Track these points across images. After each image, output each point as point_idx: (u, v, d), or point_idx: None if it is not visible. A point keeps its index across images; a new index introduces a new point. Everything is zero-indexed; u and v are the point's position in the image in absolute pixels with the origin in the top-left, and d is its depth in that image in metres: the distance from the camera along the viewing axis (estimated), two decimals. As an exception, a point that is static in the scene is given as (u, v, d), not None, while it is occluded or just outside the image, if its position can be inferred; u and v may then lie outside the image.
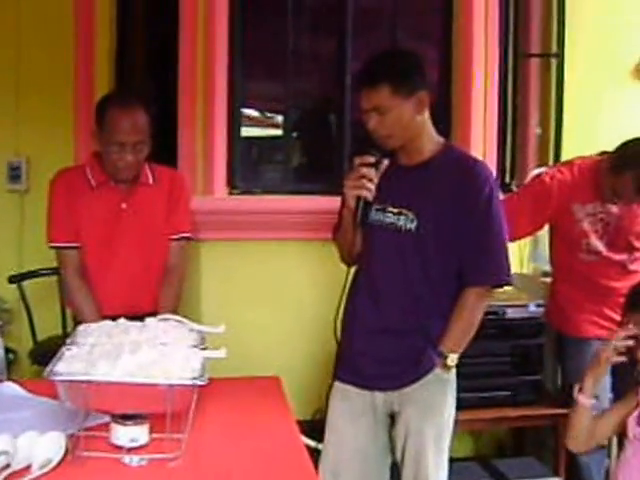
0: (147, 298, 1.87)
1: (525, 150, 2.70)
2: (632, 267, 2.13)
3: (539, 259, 2.49)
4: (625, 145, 2.02)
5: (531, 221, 2.16)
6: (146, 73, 2.87)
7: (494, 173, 2.51)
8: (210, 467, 1.17)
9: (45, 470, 1.09)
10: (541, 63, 2.69)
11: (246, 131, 2.50)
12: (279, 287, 2.36)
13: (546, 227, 2.23)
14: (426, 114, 1.57)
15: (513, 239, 2.17)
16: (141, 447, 1.17)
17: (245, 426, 1.34)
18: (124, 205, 1.87)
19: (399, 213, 1.56)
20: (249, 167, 2.52)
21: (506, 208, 2.09)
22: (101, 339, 1.30)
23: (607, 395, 2.12)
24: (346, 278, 1.61)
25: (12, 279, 2.56)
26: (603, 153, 2.12)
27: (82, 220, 1.86)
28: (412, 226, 1.55)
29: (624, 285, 2.02)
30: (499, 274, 1.57)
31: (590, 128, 2.64)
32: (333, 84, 2.52)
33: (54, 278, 2.49)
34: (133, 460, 1.14)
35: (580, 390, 1.46)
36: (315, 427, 1.74)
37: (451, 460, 1.65)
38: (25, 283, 2.58)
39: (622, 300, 1.71)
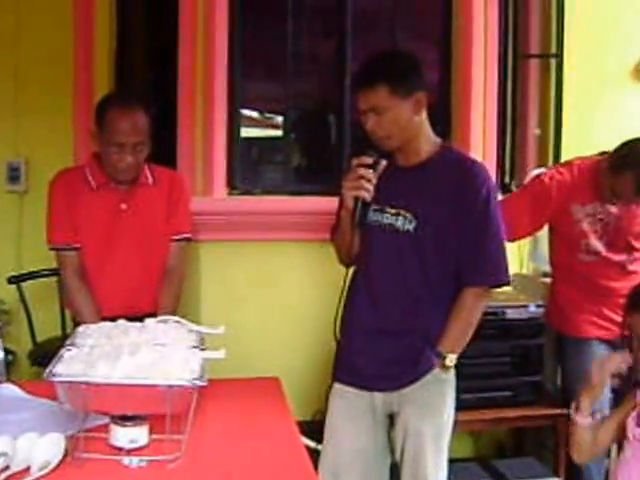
0: (146, 299, 1.87)
1: (524, 150, 2.70)
2: (631, 267, 2.13)
3: (539, 259, 2.49)
4: (625, 145, 2.02)
5: (530, 221, 2.16)
6: (146, 74, 2.87)
7: (494, 173, 2.52)
8: (210, 468, 1.17)
9: (44, 472, 1.09)
10: (540, 64, 2.70)
11: (246, 132, 2.51)
12: (279, 288, 2.36)
13: (546, 227, 2.23)
14: (424, 115, 1.57)
15: (513, 239, 2.17)
16: (141, 448, 1.16)
17: (245, 427, 1.34)
18: (124, 206, 1.87)
19: (397, 214, 1.56)
20: (249, 168, 2.52)
21: (505, 209, 2.11)
22: (100, 340, 1.30)
23: (607, 395, 2.12)
24: (345, 279, 1.61)
25: (11, 280, 2.56)
26: (603, 153, 2.12)
27: (82, 221, 1.86)
28: (410, 227, 1.55)
29: (623, 285, 2.02)
30: (497, 274, 1.58)
31: (589, 129, 2.65)
32: (333, 85, 2.52)
33: (53, 279, 2.49)
34: (133, 461, 1.14)
35: (577, 409, 1.45)
36: (315, 428, 1.74)
37: (451, 461, 1.65)
38: (24, 284, 2.57)
39: (621, 300, 1.71)
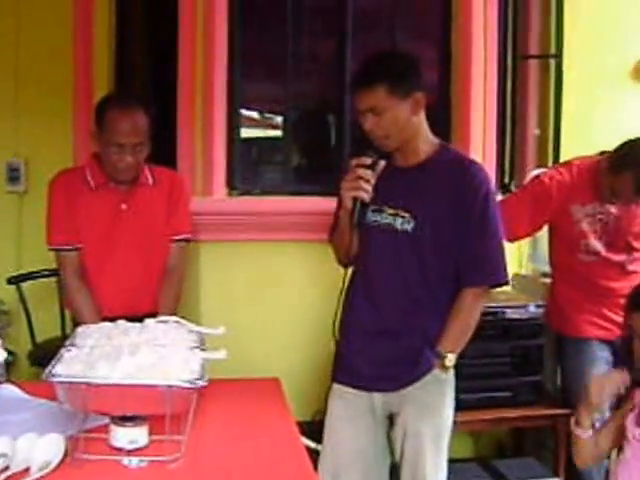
0: (146, 299, 1.87)
1: (524, 151, 2.70)
2: (631, 268, 2.13)
3: (538, 260, 2.49)
4: (624, 145, 2.02)
5: (530, 222, 2.16)
6: (146, 74, 2.87)
7: (493, 174, 2.53)
8: (210, 468, 1.17)
9: (44, 472, 1.09)
10: (540, 64, 2.70)
11: (245, 132, 2.51)
12: (278, 288, 2.36)
13: (545, 228, 2.23)
14: (422, 115, 1.58)
15: (512, 240, 2.18)
16: (140, 449, 1.16)
17: (245, 427, 1.34)
18: (124, 206, 1.87)
19: (396, 214, 1.56)
20: (248, 168, 2.52)
21: (505, 209, 2.11)
22: (100, 341, 1.30)
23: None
24: (344, 279, 1.61)
25: (11, 280, 2.55)
26: (602, 153, 2.12)
27: (81, 221, 1.86)
28: (409, 227, 1.55)
29: (623, 286, 2.02)
30: (496, 274, 1.58)
31: (589, 129, 2.65)
32: (332, 85, 2.52)
33: (53, 279, 2.49)
34: (132, 462, 1.14)
35: (576, 424, 1.45)
36: (315, 428, 1.74)
37: (451, 461, 1.65)
38: (24, 284, 2.57)
39: (621, 301, 1.71)
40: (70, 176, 1.91)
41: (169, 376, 1.15)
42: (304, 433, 1.44)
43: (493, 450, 2.56)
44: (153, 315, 1.61)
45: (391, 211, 1.57)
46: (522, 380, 2.22)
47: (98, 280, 1.88)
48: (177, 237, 1.94)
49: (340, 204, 1.59)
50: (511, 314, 2.21)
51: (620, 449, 1.49)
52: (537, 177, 2.20)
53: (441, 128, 2.48)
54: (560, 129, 2.63)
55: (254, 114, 2.76)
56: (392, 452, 1.65)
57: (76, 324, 1.78)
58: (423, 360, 1.57)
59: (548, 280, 2.34)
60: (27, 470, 1.09)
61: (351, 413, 1.62)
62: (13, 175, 2.71)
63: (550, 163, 2.61)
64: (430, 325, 1.57)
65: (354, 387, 1.62)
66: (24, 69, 2.66)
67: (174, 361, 1.20)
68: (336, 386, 1.65)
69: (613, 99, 2.71)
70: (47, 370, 1.17)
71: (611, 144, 2.06)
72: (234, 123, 2.37)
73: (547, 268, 2.36)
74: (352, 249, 1.60)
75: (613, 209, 2.09)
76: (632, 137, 2.03)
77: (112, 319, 1.46)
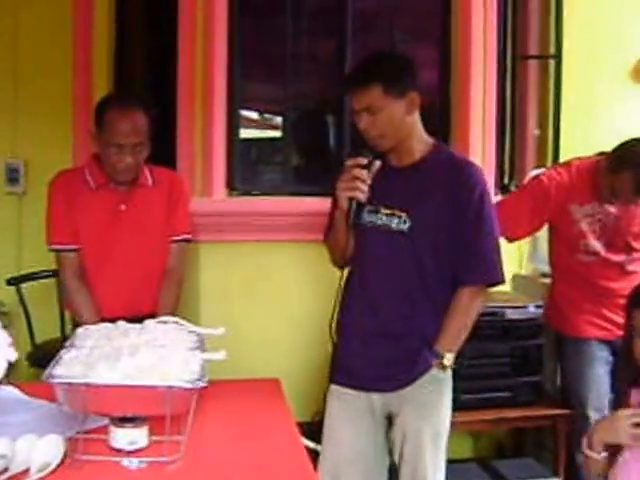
0: (146, 300, 1.87)
1: (523, 151, 2.71)
2: (630, 268, 2.14)
3: (538, 260, 2.50)
4: (623, 145, 2.02)
5: (530, 222, 2.16)
6: (145, 75, 2.86)
7: (493, 174, 2.53)
8: (210, 469, 1.17)
9: (43, 474, 1.08)
10: (539, 65, 2.70)
11: (245, 133, 2.51)
12: (278, 289, 2.36)
13: (545, 228, 2.23)
14: (416, 115, 1.58)
15: (512, 240, 2.18)
16: (140, 450, 1.16)
17: (245, 428, 1.34)
18: (123, 207, 1.87)
19: (391, 214, 1.56)
20: (248, 169, 2.51)
21: (504, 209, 2.11)
22: (100, 342, 1.30)
23: (607, 396, 2.12)
24: (340, 280, 1.61)
25: (10, 281, 2.56)
26: (601, 154, 2.12)
27: (81, 222, 1.86)
28: (404, 227, 1.55)
29: (622, 286, 2.03)
30: (492, 273, 1.58)
31: (588, 129, 2.65)
32: (332, 86, 2.52)
33: (53, 280, 2.49)
34: (132, 463, 1.14)
35: (589, 446, 1.43)
36: (314, 429, 1.74)
37: (451, 461, 1.65)
38: (23, 285, 2.57)
39: (621, 301, 1.70)
40: (70, 177, 1.91)
41: (169, 377, 1.15)
42: (304, 434, 1.44)
43: (493, 450, 2.56)
44: (153, 316, 1.61)
45: (387, 211, 1.57)
46: (522, 380, 2.22)
47: (98, 281, 1.87)
48: (177, 237, 1.94)
49: (335, 204, 1.59)
50: (511, 314, 2.21)
51: (619, 450, 1.49)
52: (536, 177, 2.20)
53: (441, 128, 2.49)
54: (559, 129, 2.64)
55: (254, 114, 2.76)
56: (390, 453, 1.65)
57: (76, 325, 1.78)
58: (421, 360, 1.57)
59: (548, 280, 2.35)
60: (26, 471, 1.09)
61: (350, 414, 1.62)
62: (12, 176, 2.71)
63: (549, 163, 2.61)
64: (427, 325, 1.57)
65: (352, 388, 1.62)
66: (23, 69, 2.66)
67: (174, 362, 1.20)
68: (334, 387, 1.65)
69: (613, 99, 2.72)
70: (47, 371, 1.17)
71: (610, 144, 2.06)
72: (234, 123, 2.37)
73: (547, 268, 2.36)
74: (348, 250, 1.60)
75: (612, 209, 2.10)
76: (631, 137, 2.04)
77: (112, 320, 1.46)
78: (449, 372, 1.60)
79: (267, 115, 2.80)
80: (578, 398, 2.15)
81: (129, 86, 2.75)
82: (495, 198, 2.34)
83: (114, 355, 1.20)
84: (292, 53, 2.43)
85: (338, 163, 2.47)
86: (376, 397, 1.61)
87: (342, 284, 1.63)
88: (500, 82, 2.56)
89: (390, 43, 2.50)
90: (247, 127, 2.58)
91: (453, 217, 1.54)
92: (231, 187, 2.38)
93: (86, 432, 1.18)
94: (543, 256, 2.38)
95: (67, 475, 1.10)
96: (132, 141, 1.78)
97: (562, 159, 2.51)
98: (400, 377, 1.57)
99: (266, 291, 2.35)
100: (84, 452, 1.14)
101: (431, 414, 1.59)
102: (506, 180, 2.65)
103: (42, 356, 2.26)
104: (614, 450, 1.39)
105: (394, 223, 1.56)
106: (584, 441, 1.43)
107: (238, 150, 2.39)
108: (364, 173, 1.53)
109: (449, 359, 1.57)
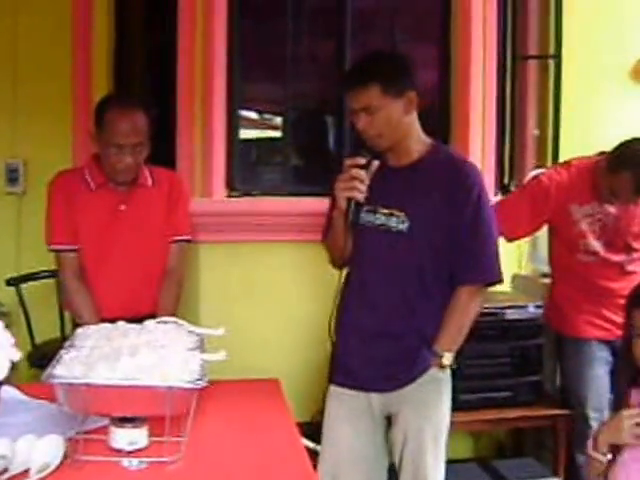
0: (146, 300, 1.87)
1: (523, 151, 2.71)
2: (630, 268, 2.14)
3: (538, 260, 2.50)
4: (623, 145, 2.02)
5: (529, 222, 2.16)
6: (145, 75, 2.86)
7: (493, 174, 2.53)
8: (210, 470, 1.17)
9: (43, 474, 1.08)
10: (539, 65, 2.70)
11: (245, 133, 2.50)
12: (278, 289, 2.36)
13: (545, 228, 2.23)
14: (414, 115, 1.58)
15: (511, 240, 2.18)
16: (140, 450, 1.16)
17: (245, 428, 1.34)
18: (123, 207, 1.87)
19: (390, 214, 1.57)
20: (248, 169, 2.51)
21: (504, 209, 2.12)
22: (100, 342, 1.30)
23: (606, 396, 2.12)
24: (339, 281, 1.61)
25: (10, 282, 2.55)
26: (601, 154, 2.12)
27: (81, 222, 1.86)
28: (403, 227, 1.55)
29: (622, 286, 2.03)
30: (490, 272, 1.58)
31: (588, 129, 2.65)
32: (332, 86, 2.52)
33: (52, 281, 2.48)
34: (132, 463, 1.14)
35: (594, 447, 1.42)
36: (314, 429, 1.74)
37: (451, 461, 1.65)
38: (23, 286, 2.57)
39: (620, 301, 1.70)
40: (69, 177, 1.90)
41: (169, 377, 1.15)
42: (303, 434, 1.44)
43: (493, 450, 2.56)
44: (152, 316, 1.61)
45: (385, 211, 1.57)
46: (522, 380, 2.22)
47: (97, 281, 1.87)
48: (176, 238, 1.94)
49: (334, 205, 1.59)
50: (511, 314, 2.21)
51: (618, 450, 1.49)
52: (536, 177, 2.20)
53: (441, 128, 2.49)
54: (559, 129, 2.64)
55: (253, 115, 2.76)
56: (390, 453, 1.65)
57: (76, 325, 1.78)
58: (420, 359, 1.57)
59: (547, 280, 2.35)
60: (26, 472, 1.09)
61: (349, 414, 1.62)
62: (12, 176, 2.70)
63: (549, 163, 2.61)
64: (427, 324, 1.58)
65: (351, 388, 1.62)
66: (23, 69, 2.66)
67: (174, 362, 1.20)
68: (333, 388, 1.65)
69: (612, 99, 2.72)
70: (46, 372, 1.17)
71: (610, 144, 2.06)
72: (233, 124, 2.37)
73: (546, 268, 2.36)
74: (346, 250, 1.60)
75: (612, 209, 2.10)
76: (631, 137, 2.04)
77: (111, 320, 1.46)
78: (448, 372, 1.60)
79: (267, 115, 2.80)
80: (578, 398, 2.16)
81: (129, 86, 2.75)
82: (495, 198, 2.35)
83: (114, 355, 1.20)
84: (292, 53, 2.43)
85: (338, 163, 2.46)
86: (375, 397, 1.60)
87: (341, 284, 1.63)
88: (500, 82, 2.56)
89: (390, 43, 2.50)
90: (247, 127, 2.58)
91: (451, 217, 1.54)
92: (231, 187, 2.38)
93: (86, 432, 1.18)
94: (543, 256, 2.38)
95: (67, 475, 1.10)
96: (132, 141, 1.78)
97: (562, 159, 2.51)
98: (400, 376, 1.58)
99: (266, 291, 2.35)
100: (84, 452, 1.14)
101: (431, 414, 1.59)
102: (506, 180, 2.65)
103: (42, 356, 2.26)
104: (616, 452, 1.39)
105: (393, 223, 1.56)
106: (589, 442, 1.43)
107: (238, 150, 2.39)
108: (362, 173, 1.53)
109: (448, 358, 1.57)
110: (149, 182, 1.90)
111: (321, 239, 1.71)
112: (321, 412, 1.68)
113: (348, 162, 1.56)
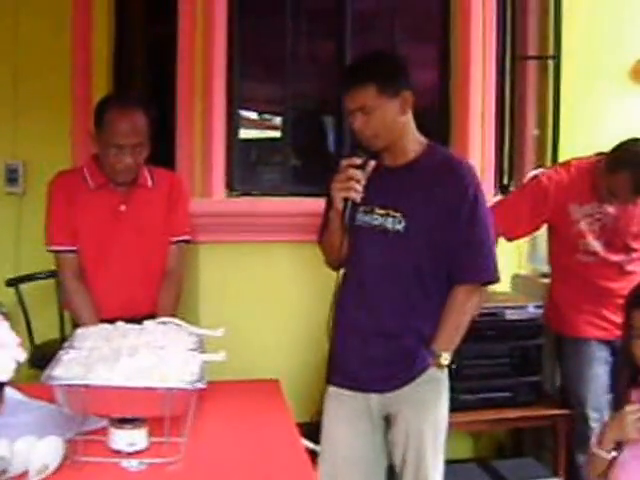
0: (145, 301, 1.87)
1: (523, 151, 2.70)
2: (629, 268, 2.14)
3: (537, 260, 2.50)
4: (621, 145, 2.03)
5: (529, 222, 2.16)
6: (145, 75, 2.86)
7: (492, 174, 2.53)
8: (210, 470, 1.17)
9: (43, 475, 1.08)
10: (538, 65, 2.70)
11: (244, 133, 2.50)
12: (278, 289, 2.36)
13: (544, 228, 2.23)
14: (409, 115, 1.58)
15: (511, 239, 2.18)
16: (140, 451, 1.16)
17: (245, 429, 1.34)
18: (122, 207, 1.87)
19: (386, 214, 1.57)
20: (247, 169, 2.51)
21: (504, 209, 2.12)
22: (99, 343, 1.30)
23: (606, 396, 2.12)
24: (336, 281, 1.61)
25: (9, 282, 2.55)
26: (600, 154, 2.12)
27: (80, 222, 1.86)
28: (400, 227, 1.55)
29: (621, 286, 2.03)
30: (487, 271, 1.59)
31: (587, 129, 2.65)
32: (332, 86, 2.52)
33: (52, 281, 2.48)
34: (132, 464, 1.14)
35: (599, 443, 1.42)
36: (314, 429, 1.74)
37: (451, 461, 1.66)
38: (23, 286, 2.57)
39: (620, 301, 1.71)
40: (69, 177, 1.90)
41: (168, 378, 1.15)
42: (303, 434, 1.44)
43: (493, 450, 2.56)
44: (152, 317, 1.61)
45: (381, 211, 1.57)
46: (521, 380, 2.22)
47: (97, 281, 1.87)
48: (176, 238, 1.94)
49: (330, 205, 1.59)
50: (510, 315, 2.21)
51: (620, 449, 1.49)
52: (535, 177, 2.21)
53: (440, 128, 2.49)
54: (559, 129, 2.64)
55: (253, 115, 2.76)
56: (388, 454, 1.64)
57: (76, 325, 1.78)
58: (419, 359, 1.57)
59: (547, 280, 2.35)
60: (26, 473, 1.09)
61: (348, 414, 1.62)
62: (12, 176, 2.70)
63: (549, 163, 2.61)
64: (424, 324, 1.58)
65: (350, 389, 1.62)
66: (23, 70, 2.66)
67: (173, 363, 1.20)
68: (332, 388, 1.65)
69: (612, 99, 2.72)
70: (46, 373, 1.17)
71: (610, 144, 2.07)
72: (233, 124, 2.37)
73: (546, 268, 2.36)
74: (342, 251, 1.60)
75: (611, 209, 2.10)
76: (630, 137, 2.04)
77: (111, 321, 1.46)
78: (445, 372, 1.61)
79: (266, 115, 2.80)
80: (577, 398, 2.16)
81: (129, 86, 2.75)
82: (494, 198, 2.35)
83: (113, 356, 1.20)
84: (291, 53, 2.43)
85: (337, 164, 2.47)
86: (374, 398, 1.60)
87: (338, 284, 1.62)
88: (499, 82, 2.56)
89: (389, 43, 2.50)
90: (246, 127, 2.58)
91: (447, 216, 1.54)
92: (230, 187, 2.38)
93: (85, 433, 1.18)
94: (542, 256, 2.38)
95: (66, 477, 1.10)
96: (132, 141, 1.78)
97: (561, 159, 2.51)
98: (398, 376, 1.58)
99: (265, 292, 2.35)
100: (83, 454, 1.14)
101: (430, 413, 1.59)
102: (505, 180, 2.65)
103: (41, 357, 2.24)
104: (618, 450, 1.39)
105: (389, 223, 1.56)
106: (593, 440, 1.43)
107: (237, 150, 2.39)
108: (359, 173, 1.53)
109: (446, 358, 1.57)
110: (149, 182, 1.90)
111: (317, 240, 1.70)
112: (320, 412, 1.68)
113: (344, 162, 1.56)
